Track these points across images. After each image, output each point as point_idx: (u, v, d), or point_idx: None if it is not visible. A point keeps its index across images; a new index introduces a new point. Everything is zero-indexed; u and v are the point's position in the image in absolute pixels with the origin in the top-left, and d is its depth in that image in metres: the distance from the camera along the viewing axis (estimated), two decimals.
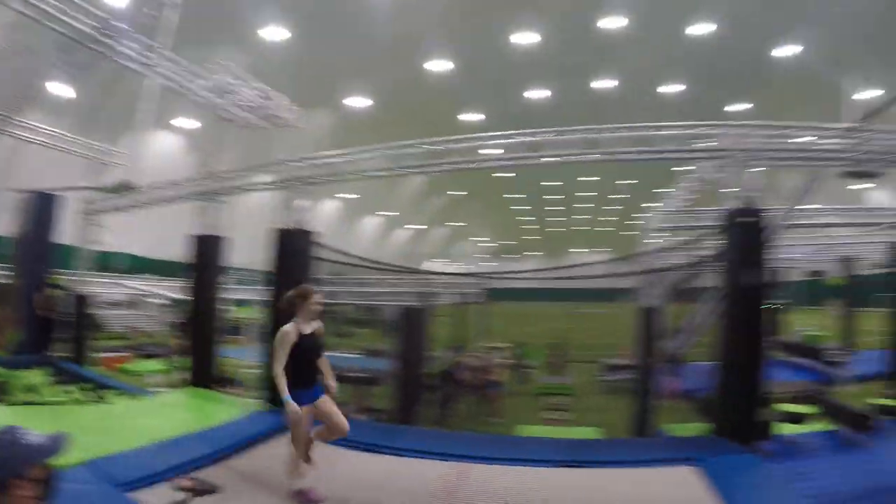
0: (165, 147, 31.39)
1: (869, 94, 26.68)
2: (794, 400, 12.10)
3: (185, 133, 32.63)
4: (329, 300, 13.38)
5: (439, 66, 34.26)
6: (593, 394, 17.14)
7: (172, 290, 18.42)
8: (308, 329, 5.18)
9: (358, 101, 37.81)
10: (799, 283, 28.98)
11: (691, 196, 9.85)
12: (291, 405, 4.89)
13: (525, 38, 31.56)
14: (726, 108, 36.48)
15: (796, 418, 10.83)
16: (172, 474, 5.16)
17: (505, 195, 66.22)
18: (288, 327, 5.08)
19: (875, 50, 28.11)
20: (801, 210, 12.51)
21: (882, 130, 8.11)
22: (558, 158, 7.87)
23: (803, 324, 21.97)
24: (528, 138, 8.10)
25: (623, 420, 12.43)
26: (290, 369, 4.95)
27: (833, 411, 11.71)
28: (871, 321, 16.25)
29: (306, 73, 29.13)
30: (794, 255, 19.70)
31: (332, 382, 5.39)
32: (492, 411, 14.48)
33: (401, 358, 12.64)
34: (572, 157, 7.82)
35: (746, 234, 6.41)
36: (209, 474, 5.04)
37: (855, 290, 21.06)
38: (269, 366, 5.04)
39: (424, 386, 13.23)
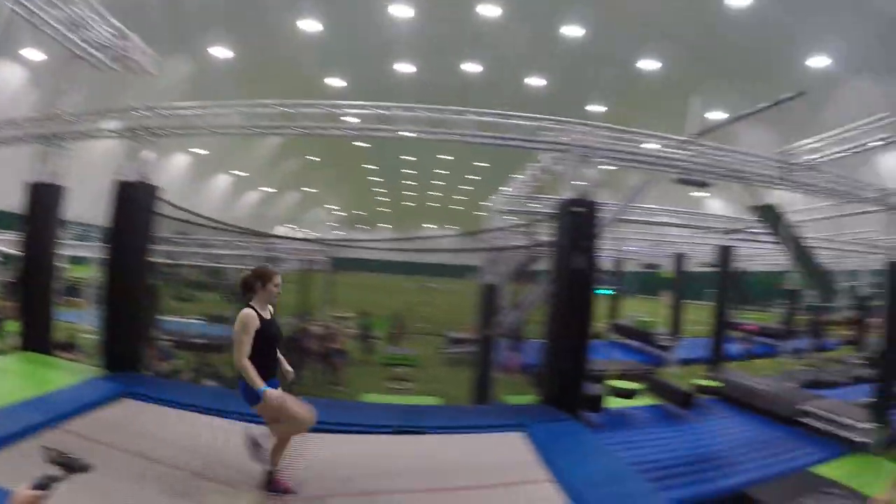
0: (5, 79, 28.21)
1: (713, 114, 29.46)
2: (625, 377, 13.28)
3: (29, 66, 29.26)
4: (170, 260, 12.87)
5: (310, 25, 32.88)
6: (437, 365, 17.70)
7: (3, 243, 16.71)
8: (267, 314, 4.75)
9: (221, 52, 35.49)
10: (636, 273, 31.62)
11: (535, 183, 10.46)
12: (272, 392, 4.48)
13: (400, 10, 31.11)
14: (587, 108, 38.51)
15: (627, 394, 11.87)
16: (4, 444, 4.92)
17: (362, 165, 64.96)
18: (249, 311, 4.59)
19: (722, 74, 31.04)
20: (637, 208, 13.66)
21: (712, 146, 9.12)
22: (413, 134, 8.00)
23: (637, 310, 23.94)
24: (382, 111, 8.17)
25: (464, 391, 13.02)
26: (251, 359, 4.46)
27: (659, 389, 13.04)
28: (697, 312, 18.06)
29: (169, 15, 27.32)
30: (632, 248, 21.47)
31: (288, 368, 5.06)
32: (336, 380, 14.54)
33: None
34: (424, 135, 7.97)
35: (577, 222, 6.97)
36: (45, 442, 4.78)
37: (684, 284, 23.01)
38: (234, 355, 4.50)
39: None
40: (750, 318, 29.99)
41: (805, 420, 11.30)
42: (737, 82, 30.11)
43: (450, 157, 57.16)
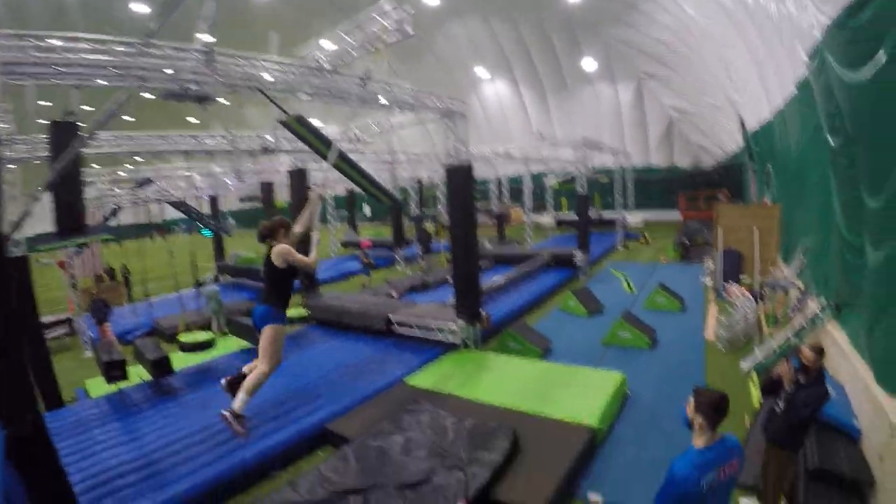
0: None
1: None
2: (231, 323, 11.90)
3: None
4: None
5: None
6: None
7: None
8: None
9: None
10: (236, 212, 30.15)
11: None
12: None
13: None
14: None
15: (200, 346, 10.89)
16: None
17: None
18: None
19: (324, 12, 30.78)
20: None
21: (194, 50, 7.66)
22: None
23: (244, 248, 23.15)
24: None
25: None
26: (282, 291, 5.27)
27: (241, 331, 11.61)
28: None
29: None
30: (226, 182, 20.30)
31: None
32: None
33: None
34: None
35: None
36: None
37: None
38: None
39: None
40: (367, 233, 31.57)
41: (400, 330, 11.30)
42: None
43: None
